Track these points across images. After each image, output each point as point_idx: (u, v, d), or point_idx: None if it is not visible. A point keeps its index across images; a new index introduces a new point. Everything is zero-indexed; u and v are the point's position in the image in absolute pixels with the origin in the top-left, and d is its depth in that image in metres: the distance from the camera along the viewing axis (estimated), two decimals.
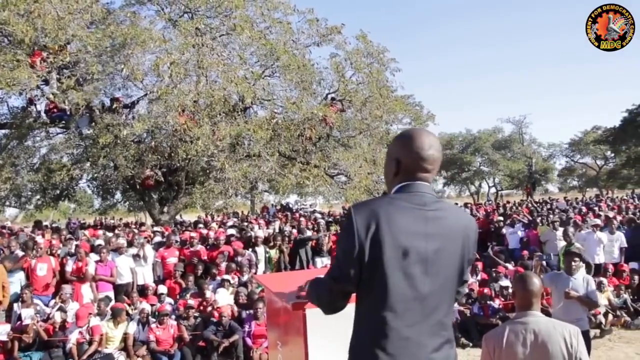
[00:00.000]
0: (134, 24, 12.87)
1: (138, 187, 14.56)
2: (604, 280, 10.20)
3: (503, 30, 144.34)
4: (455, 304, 9.28)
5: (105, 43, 12.38)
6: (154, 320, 8.80)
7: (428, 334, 2.11)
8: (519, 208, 20.04)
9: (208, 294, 9.67)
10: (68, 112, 12.98)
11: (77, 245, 10.57)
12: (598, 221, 12.20)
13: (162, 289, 9.97)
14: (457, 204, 24.15)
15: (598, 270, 10.88)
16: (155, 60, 12.16)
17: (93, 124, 13.57)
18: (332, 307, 2.23)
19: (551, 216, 14.49)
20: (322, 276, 2.22)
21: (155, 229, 13.48)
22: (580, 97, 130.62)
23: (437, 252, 2.10)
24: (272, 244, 11.98)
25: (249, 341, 8.44)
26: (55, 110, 13.47)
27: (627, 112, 39.47)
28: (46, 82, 12.68)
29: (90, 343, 8.21)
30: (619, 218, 13.87)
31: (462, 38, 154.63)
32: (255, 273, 10.88)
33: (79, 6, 12.10)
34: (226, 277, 10.11)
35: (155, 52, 12.57)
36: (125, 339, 8.55)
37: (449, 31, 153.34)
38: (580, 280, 6.00)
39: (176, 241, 11.90)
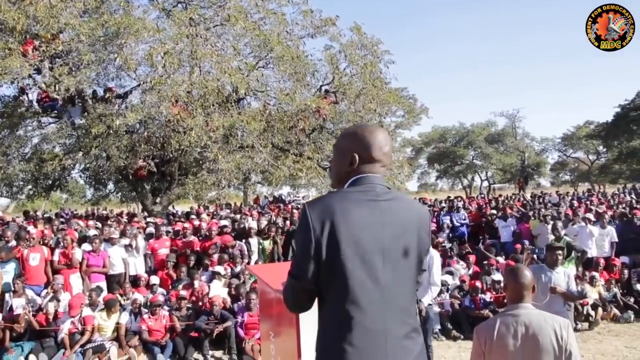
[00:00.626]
0: (127, 13, 12.75)
1: (131, 177, 14.51)
2: (596, 274, 10.28)
3: (497, 23, 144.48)
4: (447, 296, 9.39)
5: (98, 32, 12.27)
6: (146, 310, 8.82)
7: (393, 322, 2.12)
8: (512, 201, 20.14)
9: (197, 284, 9.70)
10: (60, 101, 12.90)
11: (63, 233, 10.54)
12: (589, 215, 12.27)
13: (155, 279, 9.99)
14: (449, 197, 24.25)
15: (590, 264, 10.97)
16: (148, 50, 12.07)
17: (85, 113, 13.50)
18: (296, 306, 2.25)
19: (543, 210, 14.55)
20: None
21: (149, 219, 13.45)
22: (573, 92, 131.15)
23: (393, 241, 2.13)
24: (265, 235, 11.99)
25: (241, 332, 8.47)
26: (47, 99, 13.39)
27: (620, 107, 39.73)
28: (38, 71, 12.58)
29: (82, 333, 8.21)
30: (609, 212, 13.95)
31: (456, 31, 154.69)
32: (249, 264, 10.90)
33: None
34: (218, 268, 10.12)
35: (148, 41, 12.47)
36: (117, 329, 8.56)
37: (442, 24, 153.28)
38: (562, 275, 6.19)
39: (167, 232, 11.88)
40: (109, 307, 8.58)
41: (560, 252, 6.38)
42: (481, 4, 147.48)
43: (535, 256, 10.21)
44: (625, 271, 10.85)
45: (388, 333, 2.10)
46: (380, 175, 2.26)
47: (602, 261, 11.04)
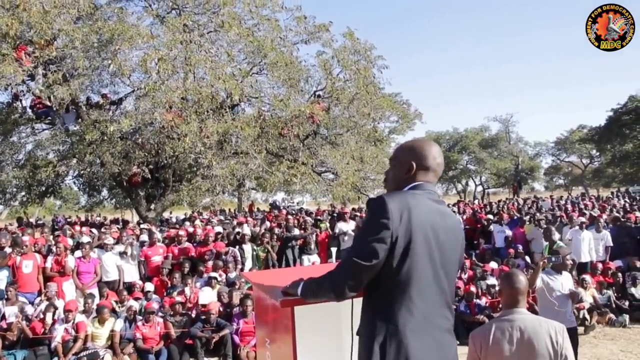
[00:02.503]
0: (121, 19, 12.77)
1: (125, 184, 14.48)
2: (587, 277, 10.30)
3: (490, 27, 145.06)
4: None
5: (92, 38, 12.27)
6: (140, 317, 8.77)
7: (441, 316, 2.31)
8: (506, 206, 20.18)
9: (187, 290, 9.67)
10: (54, 108, 12.87)
11: (56, 240, 10.48)
12: (583, 219, 12.30)
13: (149, 286, 9.95)
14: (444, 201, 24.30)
15: (584, 268, 10.99)
16: (142, 56, 12.09)
17: (79, 120, 13.47)
18: (348, 287, 2.25)
19: (538, 214, 14.59)
20: (334, 269, 2.30)
21: (143, 226, 13.41)
22: (566, 95, 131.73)
23: (449, 243, 2.33)
24: (259, 242, 11.97)
25: (236, 339, 8.45)
26: (40, 106, 13.35)
27: (612, 111, 39.92)
28: (32, 77, 12.55)
29: (75, 340, 8.16)
30: (604, 216, 14.00)
31: (449, 35, 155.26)
32: (242, 270, 10.87)
33: (66, 0, 11.98)
34: (213, 274, 10.09)
35: (142, 48, 12.49)
36: (111, 336, 8.51)
37: (435, 28, 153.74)
38: (568, 278, 6.27)
39: (158, 240, 11.84)
40: (99, 313, 8.53)
41: (560, 255, 6.43)
42: (474, 8, 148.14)
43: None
44: (620, 275, 10.88)
45: (438, 324, 2.28)
46: (434, 183, 2.47)
47: (600, 265, 11.07)
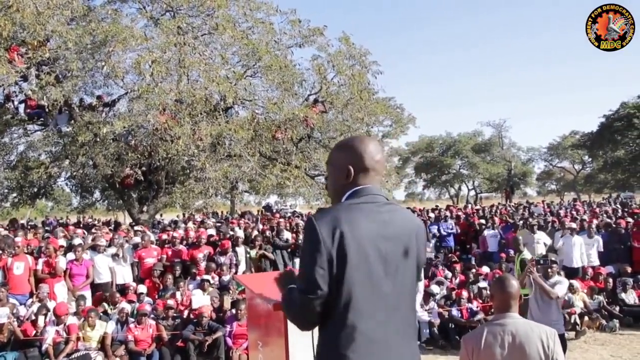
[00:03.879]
0: (115, 21, 12.75)
1: (117, 185, 14.43)
2: (575, 282, 10.33)
3: (484, 32, 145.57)
4: (435, 306, 9.40)
5: (85, 40, 12.23)
6: (132, 319, 8.74)
7: (394, 332, 2.14)
8: (499, 210, 20.27)
9: (178, 294, 9.65)
10: (46, 109, 12.81)
11: (46, 242, 10.43)
12: (573, 225, 12.34)
13: (142, 288, 9.92)
14: (437, 206, 24.35)
15: (576, 274, 11.04)
16: (136, 58, 12.06)
17: (72, 121, 13.42)
18: (308, 323, 2.19)
19: (530, 219, 14.65)
20: (291, 294, 2.19)
21: (136, 228, 13.37)
22: (559, 102, 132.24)
23: (395, 252, 2.16)
24: (251, 244, 11.97)
25: (229, 341, 8.43)
26: (33, 107, 13.28)
27: (604, 117, 40.18)
28: (25, 78, 12.50)
29: (66, 342, 8.12)
30: (595, 222, 14.07)
31: (442, 40, 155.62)
32: (236, 273, 10.86)
33: (59, 2, 11.93)
34: (206, 277, 10.07)
35: (136, 50, 12.46)
36: (103, 338, 8.47)
37: (430, 33, 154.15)
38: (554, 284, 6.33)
39: (151, 241, 11.81)
40: (87, 317, 8.50)
41: (555, 266, 6.52)
42: (468, 13, 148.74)
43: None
44: (610, 280, 10.93)
45: (390, 343, 2.13)
46: (377, 185, 2.28)
47: (590, 270, 11.12)
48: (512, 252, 11.93)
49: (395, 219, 2.21)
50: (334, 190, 2.34)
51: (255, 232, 12.99)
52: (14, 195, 16.70)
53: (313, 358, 2.37)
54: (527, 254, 8.48)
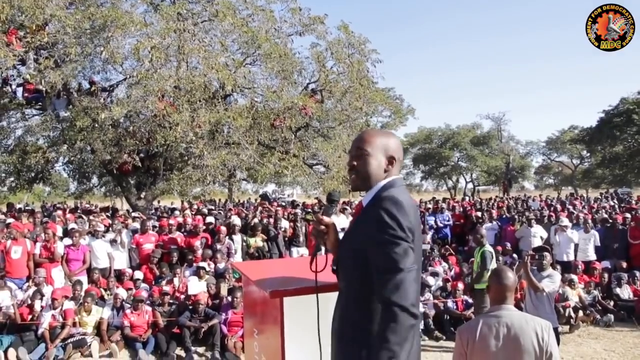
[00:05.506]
0: (114, 6, 12.65)
1: (115, 171, 14.38)
2: (574, 277, 10.39)
3: (486, 25, 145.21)
4: (430, 297, 9.44)
5: (84, 25, 12.14)
6: (128, 305, 8.77)
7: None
8: (497, 204, 20.28)
9: (176, 280, 9.67)
10: (44, 93, 12.75)
11: (45, 227, 10.45)
12: (566, 221, 12.36)
13: (138, 274, 9.95)
14: (434, 198, 24.37)
15: (569, 268, 11.08)
16: (135, 44, 11.98)
17: (70, 106, 13.36)
18: (414, 296, 2.17)
19: (527, 213, 14.68)
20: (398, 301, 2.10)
21: (134, 214, 13.36)
22: (558, 96, 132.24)
23: (420, 239, 2.32)
24: (250, 232, 11.97)
25: (224, 329, 8.46)
26: (31, 91, 13.21)
27: (604, 112, 40.16)
28: (23, 62, 12.43)
29: (62, 327, 8.15)
30: (589, 217, 14.09)
31: (443, 32, 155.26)
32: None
33: None
34: (202, 264, 10.09)
35: (135, 35, 12.37)
36: (99, 324, 8.51)
37: (431, 25, 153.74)
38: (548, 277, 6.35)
39: (154, 227, 11.81)
40: (85, 300, 8.53)
41: (546, 253, 6.53)
42: (470, 6, 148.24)
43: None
44: (606, 275, 10.98)
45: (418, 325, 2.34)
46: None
47: (581, 264, 11.15)
48: (508, 245, 12.00)
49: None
50: (371, 173, 2.36)
51: (256, 220, 12.98)
52: (11, 179, 16.65)
53: (318, 343, 2.48)
54: (488, 247, 8.48)
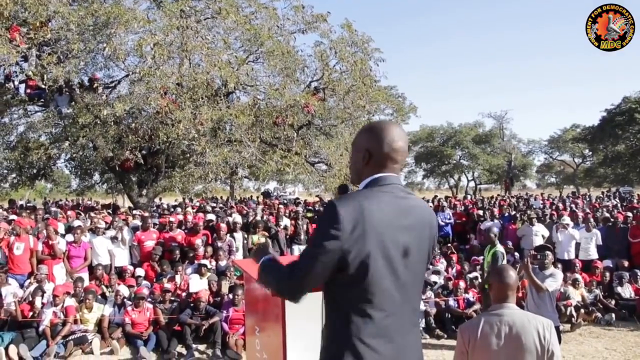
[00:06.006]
0: (117, 3, 12.65)
1: (117, 168, 14.39)
2: (579, 277, 10.39)
3: (488, 23, 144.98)
4: (432, 295, 9.43)
5: (87, 21, 12.14)
6: (130, 303, 8.77)
7: (405, 322, 2.18)
8: (498, 202, 20.27)
9: (178, 278, 9.68)
10: (46, 90, 12.75)
11: (46, 223, 10.44)
12: (568, 219, 12.34)
13: (140, 271, 9.95)
14: (436, 196, 24.36)
15: (570, 266, 11.07)
16: (138, 40, 11.98)
17: (73, 103, 13.36)
18: (298, 292, 2.16)
19: (529, 211, 14.67)
20: (284, 265, 2.19)
21: (135, 212, 13.37)
22: (561, 95, 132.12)
23: (412, 243, 2.17)
24: (252, 230, 11.96)
25: (225, 326, 8.46)
26: (33, 87, 13.21)
27: (606, 111, 40.13)
28: (25, 58, 12.43)
29: (64, 324, 8.15)
30: (591, 215, 14.06)
31: (445, 30, 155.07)
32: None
33: None
34: (203, 262, 10.09)
35: (138, 32, 12.38)
36: (100, 321, 8.51)
37: (433, 23, 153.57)
38: (550, 276, 6.31)
39: (155, 224, 11.81)
40: (85, 297, 8.54)
41: (547, 252, 6.51)
42: (472, 4, 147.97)
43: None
44: (607, 274, 10.97)
45: (399, 331, 2.15)
46: (396, 174, 2.26)
47: (578, 263, 11.13)
48: (510, 243, 11.98)
49: (413, 207, 2.22)
50: (355, 172, 2.34)
51: (258, 218, 12.97)
52: (13, 176, 16.65)
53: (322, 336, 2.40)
54: (499, 247, 8.47)
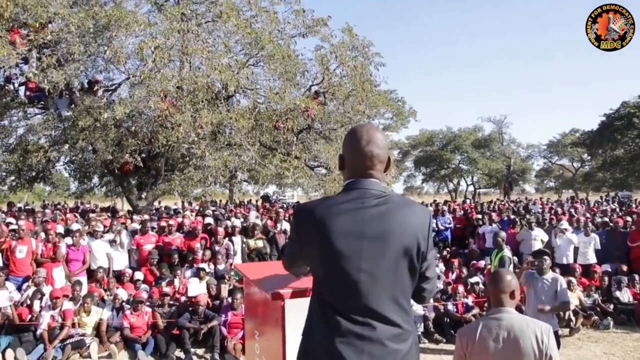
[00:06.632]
0: (118, 6, 12.67)
1: (116, 171, 14.39)
2: (573, 279, 10.38)
3: (488, 26, 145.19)
4: (431, 300, 9.42)
5: (88, 24, 12.14)
6: (128, 306, 8.76)
7: (381, 328, 2.10)
8: (498, 207, 20.27)
9: (177, 281, 9.67)
10: (47, 92, 12.76)
11: (44, 227, 10.43)
12: (566, 224, 12.35)
13: (139, 275, 9.93)
14: (435, 200, 24.36)
15: (567, 270, 11.08)
16: (139, 43, 12.00)
17: (72, 105, 13.37)
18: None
19: (528, 216, 14.67)
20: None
21: (135, 217, 13.36)
22: (560, 99, 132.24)
23: (371, 249, 2.10)
24: (250, 233, 11.95)
25: (224, 330, 8.45)
26: (33, 89, 13.22)
27: (605, 116, 40.20)
28: (25, 60, 12.44)
29: (61, 327, 8.13)
30: (589, 219, 14.07)
31: (446, 34, 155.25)
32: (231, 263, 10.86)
33: None
34: (202, 265, 10.09)
35: (139, 35, 12.40)
36: (98, 324, 8.49)
37: (432, 26, 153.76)
38: (551, 282, 6.26)
39: (153, 228, 11.80)
40: (85, 300, 8.52)
41: (546, 257, 6.50)
42: (472, 7, 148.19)
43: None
44: (606, 278, 10.97)
45: (367, 337, 2.08)
46: (375, 178, 2.20)
47: (578, 267, 11.13)
48: (509, 248, 11.95)
49: (383, 213, 2.13)
50: (343, 175, 2.36)
51: (257, 221, 12.97)
52: (12, 178, 16.65)
53: None
54: (507, 252, 8.47)
